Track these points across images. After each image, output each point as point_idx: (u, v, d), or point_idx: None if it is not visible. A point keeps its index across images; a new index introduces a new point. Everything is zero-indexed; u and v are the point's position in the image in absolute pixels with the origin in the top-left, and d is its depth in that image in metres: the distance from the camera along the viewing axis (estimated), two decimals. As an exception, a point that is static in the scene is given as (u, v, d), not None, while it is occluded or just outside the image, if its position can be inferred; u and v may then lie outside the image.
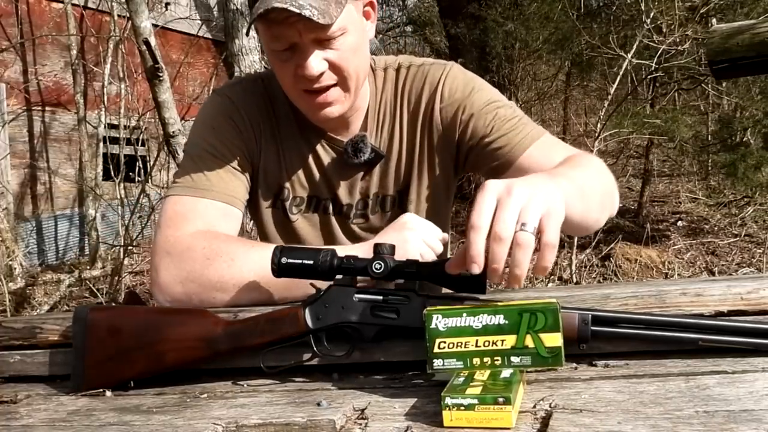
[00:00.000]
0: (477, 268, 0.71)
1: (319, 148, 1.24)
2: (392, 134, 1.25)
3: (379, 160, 1.24)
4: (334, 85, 1.11)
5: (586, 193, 0.95)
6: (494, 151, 1.17)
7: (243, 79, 1.29)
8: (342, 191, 1.26)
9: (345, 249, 1.00)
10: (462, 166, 1.26)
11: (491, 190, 0.74)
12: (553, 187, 0.79)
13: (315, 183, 1.26)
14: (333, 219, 1.28)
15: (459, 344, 0.74)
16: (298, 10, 0.98)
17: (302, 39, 1.04)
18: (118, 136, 7.29)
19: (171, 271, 1.06)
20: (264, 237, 1.34)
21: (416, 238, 1.06)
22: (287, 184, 1.25)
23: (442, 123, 1.22)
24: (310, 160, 1.25)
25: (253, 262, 1.03)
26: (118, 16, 6.85)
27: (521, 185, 0.74)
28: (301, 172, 1.25)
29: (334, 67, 1.08)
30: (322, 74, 1.08)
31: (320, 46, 1.06)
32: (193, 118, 1.28)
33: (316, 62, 1.06)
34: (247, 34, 1.04)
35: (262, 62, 4.28)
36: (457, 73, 1.23)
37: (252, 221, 1.38)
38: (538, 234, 0.72)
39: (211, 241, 1.07)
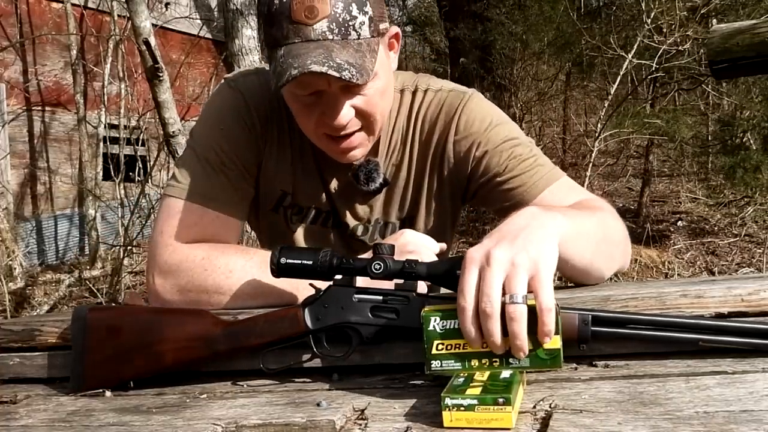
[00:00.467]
0: (476, 344, 0.72)
1: (326, 164, 1.19)
2: (401, 162, 1.20)
3: (384, 186, 1.21)
4: (359, 130, 1.07)
5: (586, 234, 0.91)
6: (507, 191, 1.13)
7: (260, 72, 1.20)
8: (344, 213, 1.23)
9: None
10: (470, 198, 1.22)
11: (471, 262, 0.73)
12: (545, 225, 0.77)
13: (318, 197, 1.22)
14: (332, 234, 1.26)
15: (457, 345, 0.74)
16: (337, 74, 0.93)
17: (331, 87, 1.00)
18: (118, 136, 7.29)
19: (168, 280, 1.06)
20: (261, 239, 1.33)
21: None
22: (290, 191, 1.22)
23: (454, 157, 1.17)
24: (316, 174, 1.21)
25: (251, 275, 1.02)
26: (118, 16, 6.85)
27: (501, 248, 0.72)
28: (305, 183, 1.21)
29: (360, 113, 1.04)
30: (348, 122, 1.04)
31: (349, 94, 1.02)
32: (194, 119, 1.26)
33: (345, 112, 1.02)
34: (279, 88, 0.95)
35: (262, 62, 4.28)
36: (474, 105, 1.17)
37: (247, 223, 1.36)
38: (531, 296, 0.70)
39: (209, 252, 1.06)
